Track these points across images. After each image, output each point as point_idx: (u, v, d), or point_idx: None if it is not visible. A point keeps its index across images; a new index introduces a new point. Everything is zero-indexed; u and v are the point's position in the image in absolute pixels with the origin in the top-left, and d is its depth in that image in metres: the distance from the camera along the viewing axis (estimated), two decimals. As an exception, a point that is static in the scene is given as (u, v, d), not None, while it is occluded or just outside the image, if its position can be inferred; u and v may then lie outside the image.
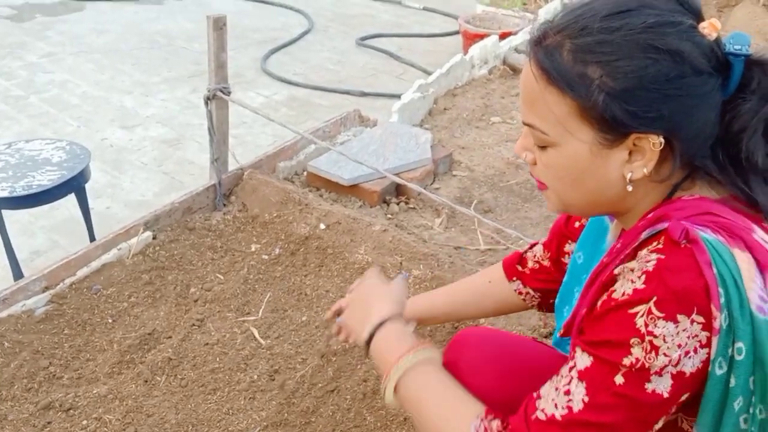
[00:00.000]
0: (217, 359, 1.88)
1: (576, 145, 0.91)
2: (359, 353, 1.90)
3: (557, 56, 0.89)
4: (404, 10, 5.71)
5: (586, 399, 0.88)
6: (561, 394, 0.90)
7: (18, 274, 2.41)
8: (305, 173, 2.66)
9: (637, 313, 0.84)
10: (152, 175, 3.28)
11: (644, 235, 0.89)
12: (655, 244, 0.86)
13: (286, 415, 1.73)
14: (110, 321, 1.99)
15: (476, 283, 1.46)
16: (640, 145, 0.89)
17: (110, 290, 2.07)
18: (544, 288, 1.37)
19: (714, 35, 0.87)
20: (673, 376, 0.84)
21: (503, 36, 4.14)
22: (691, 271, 0.83)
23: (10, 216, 2.39)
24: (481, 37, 4.12)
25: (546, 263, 1.35)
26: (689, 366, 0.84)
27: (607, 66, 0.86)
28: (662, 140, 0.87)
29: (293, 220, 2.33)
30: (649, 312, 0.83)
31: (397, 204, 2.54)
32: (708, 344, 0.83)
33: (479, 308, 1.46)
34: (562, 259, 1.31)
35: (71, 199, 2.60)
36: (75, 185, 2.28)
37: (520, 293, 1.38)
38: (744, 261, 0.84)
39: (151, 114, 3.84)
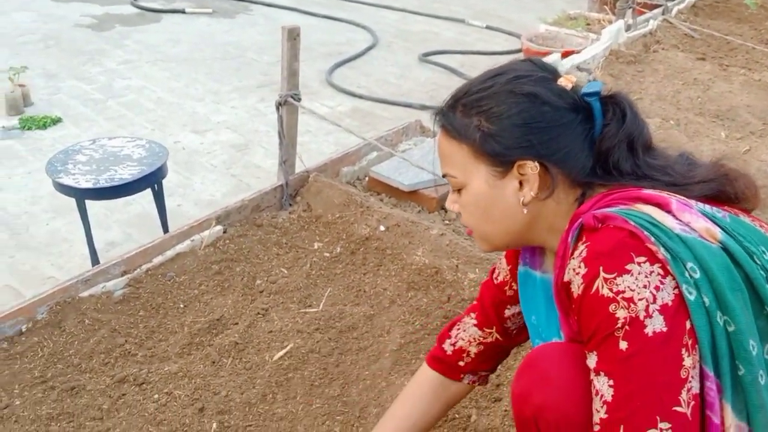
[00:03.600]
0: (280, 346, 1.98)
1: (477, 182, 1.14)
2: (416, 349, 1.99)
3: (452, 116, 1.15)
4: (467, 28, 5.82)
5: (611, 382, 0.97)
6: (596, 400, 0.99)
7: (96, 262, 2.57)
8: (367, 178, 2.77)
9: (597, 288, 0.97)
10: (221, 177, 3.44)
11: (570, 241, 1.05)
12: (581, 242, 1.03)
13: (339, 406, 1.82)
14: (182, 306, 2.12)
15: (415, 401, 1.48)
16: (524, 173, 1.10)
17: (182, 278, 2.21)
18: (496, 359, 1.48)
19: (570, 85, 1.12)
20: (660, 311, 0.94)
21: (565, 54, 4.20)
22: (613, 233, 0.99)
23: (88, 209, 2.56)
24: (544, 54, 4.19)
25: (491, 339, 1.43)
26: (666, 297, 0.95)
27: (484, 113, 1.11)
28: (537, 164, 1.09)
29: (354, 222, 2.44)
30: (605, 280, 0.97)
31: (455, 211, 2.62)
32: (667, 272, 0.95)
33: (430, 420, 1.49)
34: (505, 325, 1.42)
35: (145, 195, 2.76)
36: (153, 180, 2.44)
37: (473, 382, 1.47)
38: (648, 209, 1.01)
39: (222, 120, 4.01)
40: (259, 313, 2.11)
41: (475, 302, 1.48)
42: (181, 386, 1.85)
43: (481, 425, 1.74)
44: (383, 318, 2.11)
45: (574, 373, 1.08)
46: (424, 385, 1.47)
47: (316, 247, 2.41)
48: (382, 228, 2.38)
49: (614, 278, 0.96)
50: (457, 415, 1.79)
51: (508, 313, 1.42)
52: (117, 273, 2.12)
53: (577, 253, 1.02)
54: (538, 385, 1.14)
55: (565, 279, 1.04)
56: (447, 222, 2.56)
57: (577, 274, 1.00)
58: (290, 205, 2.55)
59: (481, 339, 1.43)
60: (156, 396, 1.82)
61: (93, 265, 2.42)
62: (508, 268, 1.41)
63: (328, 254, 2.37)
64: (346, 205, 2.48)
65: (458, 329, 1.46)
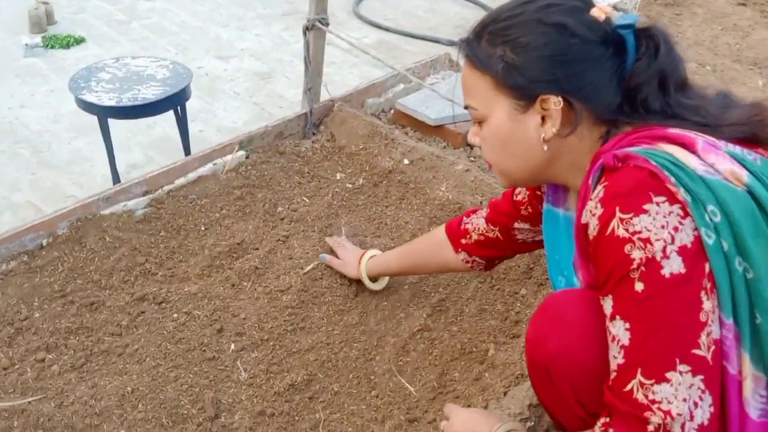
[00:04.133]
0: (299, 272, 1.98)
1: (498, 115, 1.11)
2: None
3: (476, 45, 1.12)
4: (499, -35, 5.63)
5: (627, 325, 0.94)
6: (613, 346, 0.96)
7: (117, 182, 2.57)
8: (392, 111, 2.71)
9: (613, 229, 0.94)
10: (243, 105, 3.40)
11: (592, 182, 1.02)
12: (600, 183, 0.99)
13: (357, 334, 1.83)
14: (203, 228, 2.12)
15: (424, 248, 1.76)
16: (547, 108, 1.07)
17: (204, 201, 2.19)
18: (490, 256, 1.61)
19: (603, 17, 1.07)
20: (678, 252, 0.90)
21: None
22: (633, 172, 0.95)
23: (111, 131, 2.53)
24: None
25: (493, 235, 1.56)
26: (686, 238, 0.91)
27: (510, 43, 1.08)
28: (560, 99, 1.06)
29: (378, 154, 2.40)
30: (620, 220, 0.93)
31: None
32: (686, 214, 0.91)
33: (427, 269, 1.84)
34: (511, 232, 1.53)
35: (167, 119, 2.74)
36: (177, 101, 2.41)
37: (467, 261, 1.64)
38: (672, 148, 0.97)
39: (246, 47, 3.95)
40: (279, 240, 2.10)
41: (487, 209, 1.60)
42: (201, 307, 1.86)
43: (499, 360, 1.73)
44: (404, 251, 2.09)
45: (591, 321, 1.05)
46: (433, 237, 1.73)
47: (338, 177, 2.38)
48: (406, 161, 2.34)
49: (630, 218, 0.92)
50: (474, 349, 1.79)
51: (517, 225, 1.51)
52: (138, 192, 2.11)
53: (594, 194, 0.99)
54: (552, 331, 1.12)
55: (583, 221, 1.01)
56: (472, 159, 2.51)
57: (594, 215, 0.97)
58: (313, 134, 2.51)
59: (484, 231, 1.58)
60: (175, 315, 1.83)
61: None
62: (527, 193, 1.45)
63: (350, 185, 2.34)
64: (370, 137, 2.43)
65: (475, 215, 1.62)
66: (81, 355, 1.70)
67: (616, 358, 0.96)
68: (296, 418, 1.61)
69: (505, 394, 1.58)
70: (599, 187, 0.98)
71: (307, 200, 2.28)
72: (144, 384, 1.65)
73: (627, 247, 0.92)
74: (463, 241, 1.62)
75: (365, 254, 1.90)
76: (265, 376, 1.70)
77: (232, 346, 1.76)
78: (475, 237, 1.59)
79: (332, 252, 2.01)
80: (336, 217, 2.22)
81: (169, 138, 3.04)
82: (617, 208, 0.94)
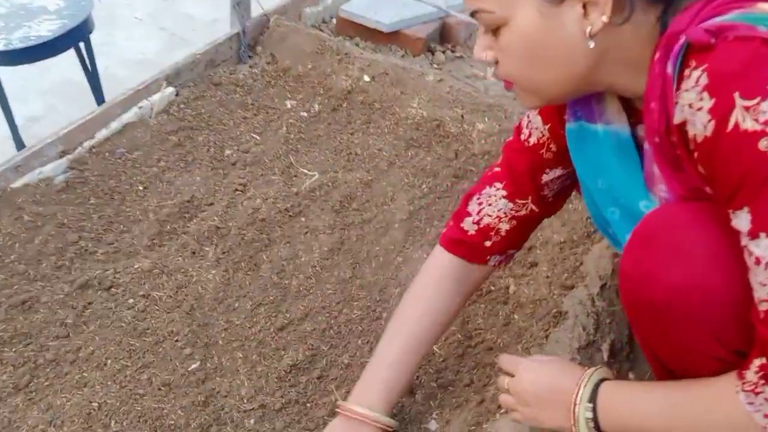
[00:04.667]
0: (269, 226, 1.66)
1: (524, 13, 0.83)
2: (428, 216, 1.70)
3: None
4: None
5: None
6: (759, 271, 0.75)
7: (19, 142, 2.14)
8: (334, 20, 2.35)
9: (737, 123, 0.71)
10: (149, 32, 2.94)
11: (673, 70, 0.77)
12: (690, 68, 0.75)
13: (354, 290, 1.55)
14: (141, 188, 1.75)
15: (437, 299, 1.20)
16: None
17: (136, 154, 1.82)
18: (527, 235, 1.23)
19: None
20: None
21: None
22: (739, 46, 0.71)
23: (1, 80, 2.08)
24: None
25: (525, 212, 1.16)
26: None
27: None
28: None
29: (332, 72, 2.06)
30: (745, 109, 0.70)
31: (443, 52, 2.26)
32: None
33: (451, 318, 1.25)
34: (542, 193, 1.15)
35: (65, 58, 2.29)
36: (79, 36, 1.98)
37: (500, 263, 1.23)
38: None
39: (138, -37, 3.42)
40: (236, 190, 1.76)
41: (496, 169, 1.18)
42: (160, 286, 1.53)
43: (524, 296, 1.50)
44: (383, 183, 1.80)
45: (716, 241, 0.83)
46: (441, 273, 1.21)
47: (288, 106, 2.03)
48: (366, 78, 2.01)
49: (758, 104, 0.69)
50: (493, 288, 1.54)
51: (546, 178, 1.14)
52: (54, 155, 1.71)
53: (689, 83, 0.74)
54: (669, 261, 0.87)
55: (676, 121, 0.77)
56: (436, 66, 2.21)
57: (699, 109, 0.73)
58: (250, 57, 2.13)
59: (514, 213, 1.16)
60: (130, 301, 1.50)
61: (18, 148, 1.99)
62: (546, 126, 1.10)
63: (305, 113, 2.00)
64: (319, 54, 2.08)
65: (480, 204, 1.18)
66: (23, 371, 1.35)
67: (765, 285, 0.73)
68: (308, 405, 1.34)
69: (546, 338, 1.35)
70: (696, 73, 0.73)
71: (258, 137, 1.94)
72: (112, 395, 1.33)
73: (762, 143, 0.70)
74: (488, 243, 1.18)
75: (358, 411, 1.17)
76: (259, 359, 1.40)
77: (210, 330, 1.45)
78: (505, 227, 1.17)
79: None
80: (296, 153, 1.89)
81: (70, 81, 2.58)
82: (736, 95, 0.70)
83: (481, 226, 1.17)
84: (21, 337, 1.41)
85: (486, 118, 1.87)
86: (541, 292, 1.49)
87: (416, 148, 1.88)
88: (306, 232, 1.66)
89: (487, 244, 1.18)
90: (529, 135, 1.13)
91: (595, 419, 0.96)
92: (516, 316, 1.46)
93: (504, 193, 1.15)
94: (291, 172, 1.83)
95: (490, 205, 1.16)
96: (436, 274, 1.21)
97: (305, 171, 1.83)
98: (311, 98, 2.04)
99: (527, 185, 1.14)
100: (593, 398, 0.96)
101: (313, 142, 1.92)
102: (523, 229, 1.19)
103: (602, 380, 0.99)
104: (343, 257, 1.61)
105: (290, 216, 1.70)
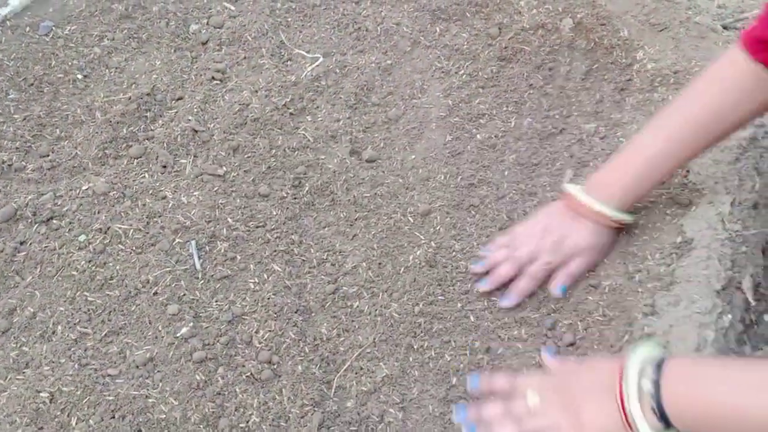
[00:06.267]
0: (265, 127, 1.22)
1: None
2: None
3: None
4: None
5: None
6: None
7: None
8: None
9: None
10: None
11: None
12: None
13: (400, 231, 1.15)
14: (80, 77, 1.27)
15: (715, 103, 0.95)
16: None
17: (68, 29, 1.32)
18: None
19: None
20: None
21: None
22: None
23: None
24: None
25: None
26: None
27: None
28: None
29: None
30: None
31: None
32: None
33: (728, 132, 0.98)
34: None
35: None
36: None
37: None
38: None
39: None
40: (214, 79, 1.30)
41: None
42: (122, 215, 1.09)
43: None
44: (407, 69, 1.37)
45: None
46: (734, 81, 0.93)
47: (269, -36, 1.54)
48: (371, -73, 1.52)
49: None
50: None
51: None
52: (-51, 28, 1.21)
53: None
54: None
55: None
56: None
57: None
58: None
59: None
60: (82, 238, 1.06)
61: None
62: None
63: (292, -25, 1.51)
64: None
65: None
66: (-68, 350, 0.93)
67: None
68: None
69: (672, 274, 1.00)
70: None
71: (232, 7, 1.45)
72: (68, 379, 0.92)
73: None
74: None
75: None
76: (274, 310, 1.01)
77: (199, 277, 1.04)
78: None
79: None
80: (288, 29, 1.42)
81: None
82: None
83: None
84: (-75, 298, 0.97)
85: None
86: (653, 214, 1.12)
87: (445, 21, 1.44)
88: (315, 135, 1.23)
89: None
90: None
91: (659, 406, 0.70)
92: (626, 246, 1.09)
93: None
94: (284, 55, 1.37)
95: None
96: (727, 80, 0.93)
97: (303, 53, 1.37)
98: (298, -45, 1.55)
99: None
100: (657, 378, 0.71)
101: (307, 13, 1.45)
102: None
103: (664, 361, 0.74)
104: (371, 172, 1.20)
105: (291, 114, 1.26)
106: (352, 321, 1.01)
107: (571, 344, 0.95)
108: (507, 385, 0.86)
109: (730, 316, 0.97)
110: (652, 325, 0.92)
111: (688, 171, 1.17)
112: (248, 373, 0.94)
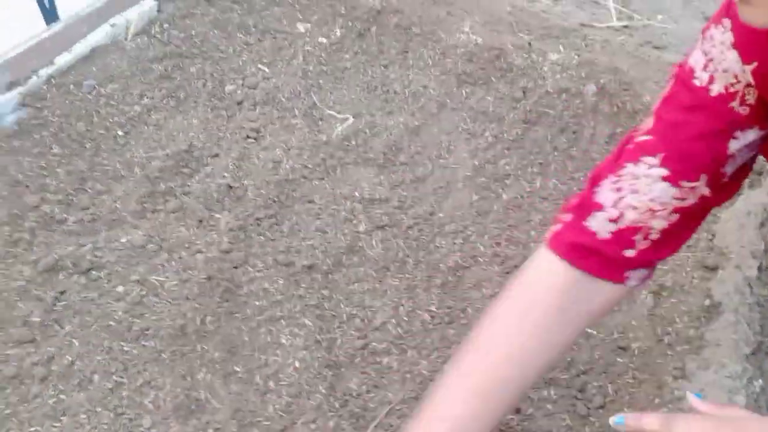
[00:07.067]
0: (296, 184, 1.26)
1: None
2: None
3: None
4: None
5: None
6: None
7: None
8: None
9: None
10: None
11: None
12: None
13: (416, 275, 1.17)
14: (121, 133, 1.32)
15: (539, 338, 0.76)
16: None
17: (110, 87, 1.38)
18: (687, 236, 0.78)
19: None
20: None
21: None
22: None
23: None
24: None
25: (692, 200, 0.74)
26: None
27: None
28: None
29: (354, -13, 1.64)
30: None
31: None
32: None
33: (553, 362, 0.79)
34: (723, 169, 0.72)
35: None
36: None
37: (643, 280, 0.77)
38: None
39: None
40: (248, 138, 1.35)
41: (644, 137, 0.74)
42: (159, 267, 1.12)
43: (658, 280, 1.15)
44: (434, 130, 1.42)
45: None
46: (551, 293, 0.76)
47: (302, 29, 1.60)
48: (400, -6, 1.60)
49: None
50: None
51: (734, 146, 0.72)
52: (0, 85, 1.26)
53: None
54: None
55: None
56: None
57: None
58: (247, -34, 1.68)
59: (678, 204, 0.73)
60: (120, 289, 1.09)
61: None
62: (749, 67, 0.66)
63: (323, 40, 1.58)
64: (337, -37, 1.65)
65: (620, 191, 0.74)
66: (-27, 397, 0.95)
67: None
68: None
69: (700, 338, 1.01)
70: None
71: (267, 69, 1.51)
72: (104, 428, 0.93)
73: None
74: (632, 251, 0.75)
75: None
76: (302, 363, 1.02)
77: (234, 323, 1.06)
78: (659, 228, 0.74)
79: None
80: (319, 90, 1.48)
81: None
82: None
83: (622, 225, 0.74)
84: (-34, 346, 1.00)
85: (561, 47, 1.49)
86: (680, 277, 1.14)
87: (471, 85, 1.49)
88: (344, 194, 1.27)
89: (629, 254, 0.75)
90: (710, 81, 0.70)
91: None
92: (654, 308, 1.11)
93: (663, 172, 0.73)
94: (315, 115, 1.42)
95: (636, 192, 0.74)
96: (541, 293, 0.77)
97: (333, 113, 1.42)
98: (330, 20, 1.61)
99: (702, 157, 0.72)
100: None
101: (338, 76, 1.51)
102: (686, 225, 0.76)
103: None
104: (398, 227, 1.23)
105: (322, 172, 1.30)
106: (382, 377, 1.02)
107: (601, 407, 0.96)
108: (658, 426, 0.71)
109: (761, 381, 0.98)
110: (682, 389, 0.93)
111: (714, 235, 1.19)
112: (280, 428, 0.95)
